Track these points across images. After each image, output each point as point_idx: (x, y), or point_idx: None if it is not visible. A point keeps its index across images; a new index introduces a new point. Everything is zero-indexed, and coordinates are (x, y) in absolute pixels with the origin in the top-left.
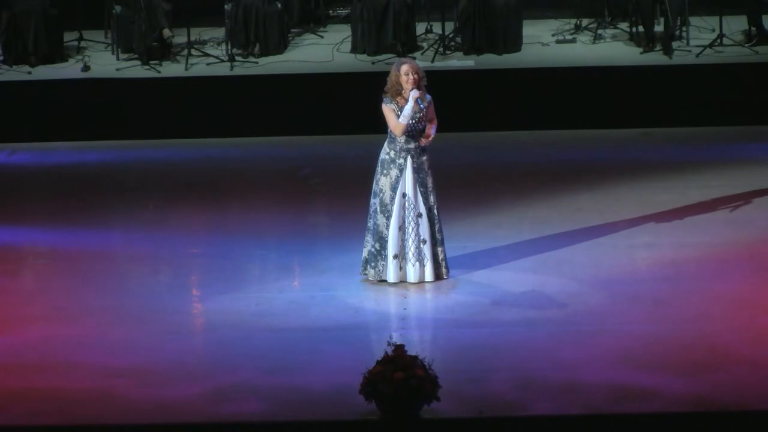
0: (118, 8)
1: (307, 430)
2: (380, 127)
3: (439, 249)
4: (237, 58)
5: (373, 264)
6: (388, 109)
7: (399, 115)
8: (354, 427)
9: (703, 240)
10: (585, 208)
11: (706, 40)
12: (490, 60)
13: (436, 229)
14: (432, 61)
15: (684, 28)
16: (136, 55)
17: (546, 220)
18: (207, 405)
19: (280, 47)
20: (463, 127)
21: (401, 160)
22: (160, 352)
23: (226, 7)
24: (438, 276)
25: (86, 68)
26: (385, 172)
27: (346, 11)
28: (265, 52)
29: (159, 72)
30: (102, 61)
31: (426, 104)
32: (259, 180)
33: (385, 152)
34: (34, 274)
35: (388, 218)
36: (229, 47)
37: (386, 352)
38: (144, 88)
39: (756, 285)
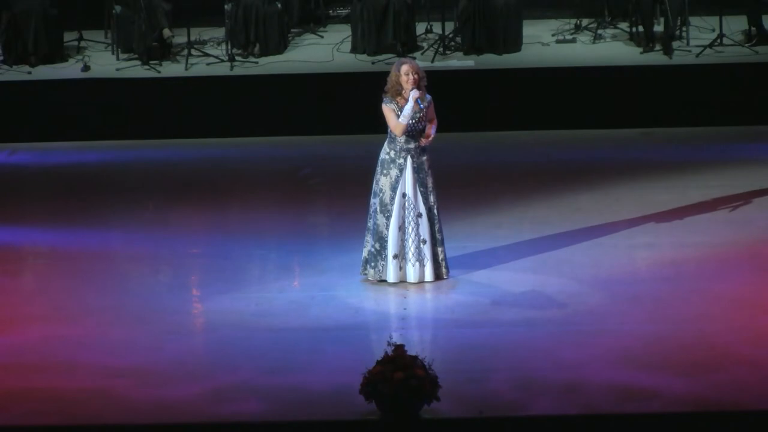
0: (118, 8)
1: (307, 430)
2: (380, 127)
3: (439, 249)
4: (237, 58)
5: (373, 264)
6: (388, 109)
7: (399, 115)
8: (354, 427)
9: (703, 240)
10: (585, 208)
11: (706, 40)
12: (490, 60)
13: (436, 229)
14: (432, 61)
15: (684, 28)
16: (136, 55)
17: (546, 220)
18: (207, 405)
19: (280, 47)
20: (463, 127)
21: (401, 160)
22: (160, 352)
23: (226, 7)
24: (438, 276)
25: (86, 68)
26: (385, 172)
27: (346, 11)
28: (265, 52)
29: (159, 72)
30: (102, 61)
31: (426, 104)
32: (259, 180)
33: (385, 152)
34: (34, 274)
35: (388, 218)
36: (229, 47)
37: (386, 352)
38: (144, 88)
39: (756, 285)
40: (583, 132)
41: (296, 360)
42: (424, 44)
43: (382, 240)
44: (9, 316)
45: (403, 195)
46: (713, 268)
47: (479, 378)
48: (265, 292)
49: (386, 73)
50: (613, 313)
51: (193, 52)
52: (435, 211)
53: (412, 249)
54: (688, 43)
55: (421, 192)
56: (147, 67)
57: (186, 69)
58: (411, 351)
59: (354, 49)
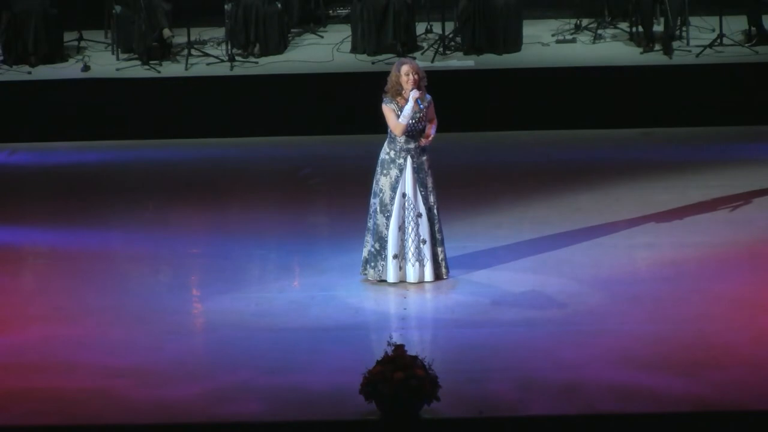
0: (118, 8)
1: (307, 430)
2: (380, 127)
3: (439, 249)
4: (237, 58)
5: (372, 264)
6: (388, 109)
7: (399, 115)
8: (354, 427)
9: (703, 240)
10: (585, 208)
11: (706, 40)
12: (490, 60)
13: (436, 229)
14: (432, 61)
15: (684, 28)
16: (136, 55)
17: (546, 220)
18: (207, 405)
19: (280, 47)
20: (463, 127)
21: (401, 160)
22: (160, 352)
23: (226, 7)
24: (438, 276)
25: (86, 68)
26: (385, 172)
27: (346, 11)
28: (265, 52)
29: (159, 72)
30: (102, 61)
31: (426, 104)
32: (259, 180)
33: (385, 152)
34: (34, 274)
35: (388, 218)
36: (229, 47)
37: (386, 352)
38: (144, 88)
39: (756, 285)
40: (583, 132)
41: (296, 360)
42: (424, 44)
43: (382, 240)
44: (9, 316)
45: (403, 195)
46: (713, 268)
47: (479, 378)
48: (265, 292)
49: (386, 73)
50: (613, 313)
51: (193, 52)
52: (435, 211)
53: (412, 249)
54: (688, 43)
55: (421, 192)
56: (147, 67)
57: (186, 69)
58: (411, 351)
59: (354, 49)
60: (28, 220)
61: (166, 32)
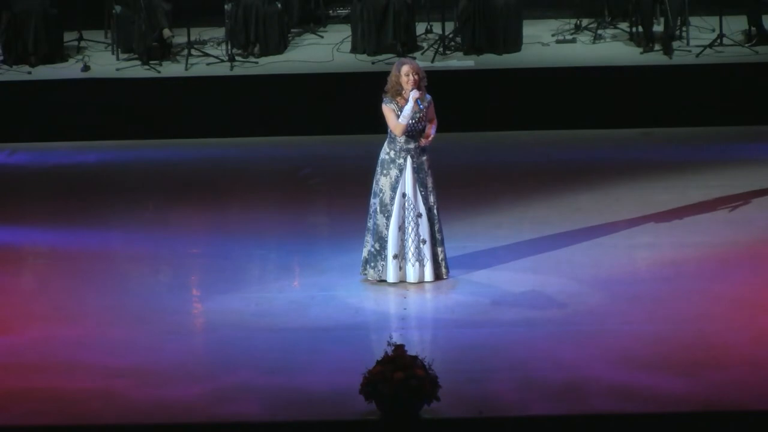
0: (118, 8)
1: (307, 430)
2: (380, 127)
3: (439, 249)
4: (237, 58)
5: (372, 264)
6: (388, 109)
7: (399, 115)
8: (354, 427)
9: (703, 240)
10: (585, 208)
11: (706, 40)
12: (490, 60)
13: (436, 229)
14: (432, 61)
15: (684, 28)
16: (136, 55)
17: (546, 220)
18: (207, 405)
19: (280, 47)
20: (463, 127)
21: (401, 160)
22: (160, 352)
23: (226, 7)
24: (438, 276)
25: (86, 68)
26: (384, 172)
27: (346, 11)
28: (265, 52)
29: (159, 72)
30: (102, 61)
31: (426, 104)
32: (259, 180)
33: (385, 152)
34: (34, 274)
35: (388, 218)
36: (229, 47)
37: (386, 352)
38: (144, 88)
39: (756, 285)
40: (583, 132)
41: (296, 360)
42: (424, 44)
43: (382, 240)
44: (9, 316)
45: (403, 195)
46: (713, 268)
47: (479, 378)
48: (265, 292)
49: (386, 73)
50: (613, 313)
51: (193, 52)
52: (435, 211)
53: (412, 249)
54: (688, 43)
55: (420, 192)
56: (147, 67)
57: (186, 69)
58: (411, 351)
59: (354, 49)
60: (28, 220)
61: (166, 32)
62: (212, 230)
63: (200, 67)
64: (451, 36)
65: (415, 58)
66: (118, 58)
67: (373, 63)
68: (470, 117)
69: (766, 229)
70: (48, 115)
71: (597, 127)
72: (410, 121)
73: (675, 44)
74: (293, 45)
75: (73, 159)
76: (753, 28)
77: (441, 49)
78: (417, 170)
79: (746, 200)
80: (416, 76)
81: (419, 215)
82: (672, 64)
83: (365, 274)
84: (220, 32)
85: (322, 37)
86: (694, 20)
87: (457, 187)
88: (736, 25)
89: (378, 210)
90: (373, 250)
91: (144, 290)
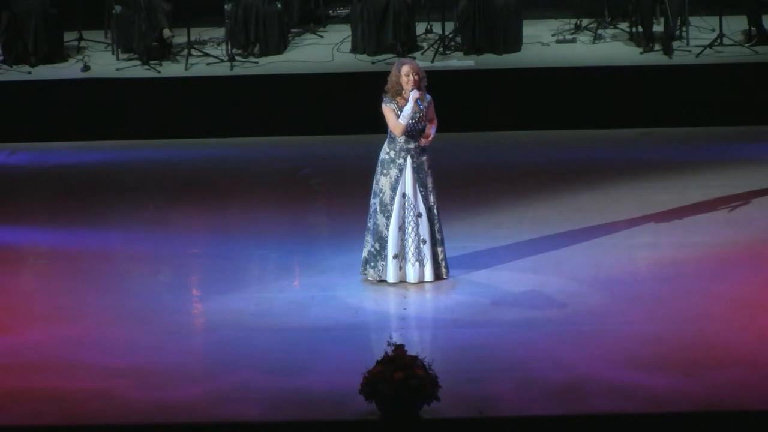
0: (118, 8)
1: (307, 430)
2: (380, 127)
3: (439, 249)
4: (237, 58)
5: (372, 264)
6: (388, 109)
7: (399, 115)
8: (354, 427)
9: (703, 240)
10: (585, 208)
11: (706, 40)
12: (490, 60)
13: (436, 229)
14: (432, 61)
15: (684, 28)
16: (136, 55)
17: (546, 220)
18: (207, 405)
19: (280, 47)
20: (463, 127)
21: (401, 160)
22: (161, 352)
23: (226, 7)
24: (438, 276)
25: (86, 68)
26: (384, 172)
27: (346, 11)
28: (265, 52)
29: (159, 72)
30: (102, 61)
31: (426, 104)
32: (259, 180)
33: (385, 152)
34: (34, 274)
35: (388, 218)
36: (229, 47)
37: (386, 352)
38: (144, 88)
39: (756, 285)
40: (583, 132)
41: (296, 360)
42: (424, 44)
43: (382, 240)
44: (9, 316)
45: (403, 195)
46: (713, 268)
47: (479, 378)
48: (265, 292)
49: (386, 73)
50: (613, 313)
51: (193, 52)
52: (435, 211)
53: (412, 249)
54: (688, 43)
55: (420, 192)
56: (147, 67)
57: (186, 69)
58: (411, 351)
59: (354, 49)
60: (28, 220)
61: (166, 32)
62: (212, 230)
63: (200, 67)
64: (451, 36)
65: (415, 58)
66: (118, 58)
67: (373, 63)
68: (470, 117)
69: (766, 229)
70: (48, 115)
71: (597, 127)
72: (410, 121)
73: (675, 44)
74: (293, 45)
75: (73, 159)
76: (753, 28)
77: (441, 49)
78: (417, 170)
79: (746, 200)
80: (416, 77)
81: (419, 215)
82: (672, 64)
83: (365, 274)
84: (220, 32)
85: (322, 37)
86: (694, 20)
87: (457, 187)
88: (736, 25)
89: (378, 210)
90: (373, 250)
91: (144, 290)
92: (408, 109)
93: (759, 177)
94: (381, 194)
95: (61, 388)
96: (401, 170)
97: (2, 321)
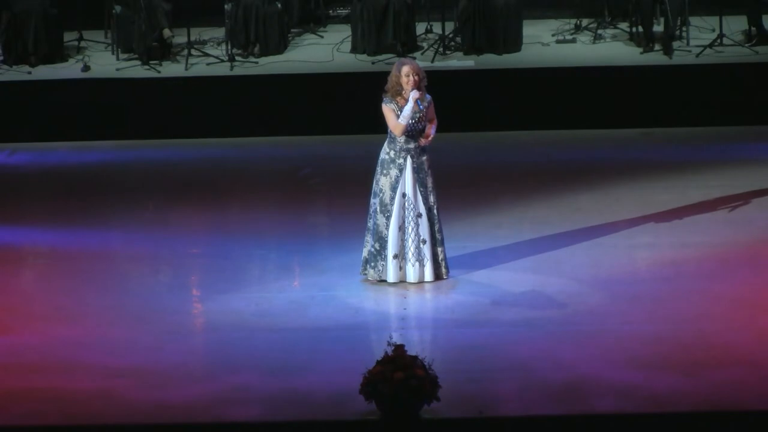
0: (118, 8)
1: (307, 430)
2: (380, 127)
3: (439, 249)
4: (237, 58)
5: (372, 264)
6: (387, 109)
7: (399, 115)
8: (354, 427)
9: (703, 240)
10: (585, 208)
11: (706, 40)
12: (490, 60)
13: (436, 229)
14: (432, 61)
15: (684, 28)
16: (136, 55)
17: (546, 220)
18: (207, 405)
19: (280, 47)
20: (463, 127)
21: (401, 160)
22: (161, 352)
23: (226, 7)
24: (438, 276)
25: (86, 68)
26: (384, 172)
27: (346, 11)
28: (265, 52)
29: (159, 72)
30: (102, 61)
31: (426, 105)
32: (259, 180)
33: (385, 152)
34: (34, 274)
35: (388, 218)
36: (229, 47)
37: (386, 352)
38: (144, 88)
39: (756, 285)
40: (583, 132)
41: (296, 360)
42: (424, 44)
43: (382, 240)
44: (9, 316)
45: (403, 195)
46: (713, 268)
47: (479, 378)
48: (265, 292)
49: (386, 73)
50: (613, 313)
51: (193, 52)
52: (435, 211)
53: (412, 249)
54: (688, 43)
55: (420, 192)
56: (147, 67)
57: (186, 69)
58: (411, 351)
59: (354, 49)
60: (28, 220)
61: (166, 32)
62: (212, 230)
63: (200, 67)
64: (451, 36)
65: (415, 58)
66: (118, 58)
67: (373, 63)
68: (470, 117)
69: (766, 229)
70: (48, 115)
71: (597, 127)
72: (410, 121)
73: (675, 44)
74: (293, 45)
75: (73, 159)
76: (753, 28)
77: (441, 49)
78: (417, 170)
79: (746, 200)
80: (416, 77)
81: (419, 215)
82: (672, 64)
83: (365, 274)
84: (220, 32)
85: (322, 37)
86: (694, 20)
87: (457, 187)
88: (736, 25)
89: (378, 210)
90: (373, 250)
91: (144, 290)
92: (408, 109)
93: (759, 177)
94: (381, 194)
95: (61, 388)
96: (401, 170)
97: (2, 321)
